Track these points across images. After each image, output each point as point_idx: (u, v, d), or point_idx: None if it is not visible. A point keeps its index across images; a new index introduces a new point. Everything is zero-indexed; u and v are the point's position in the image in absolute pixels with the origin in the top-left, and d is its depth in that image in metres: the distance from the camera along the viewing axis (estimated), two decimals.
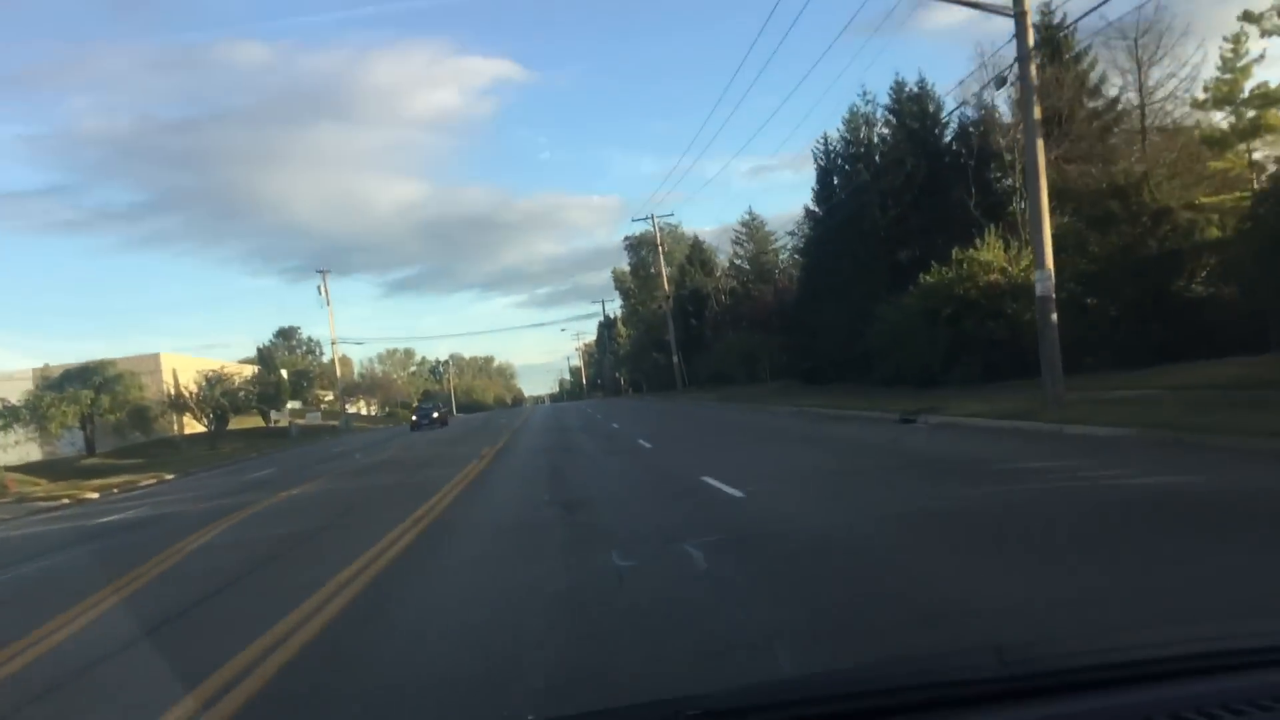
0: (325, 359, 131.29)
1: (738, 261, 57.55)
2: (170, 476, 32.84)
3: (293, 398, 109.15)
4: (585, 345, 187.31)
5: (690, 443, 19.85)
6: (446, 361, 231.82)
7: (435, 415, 51.97)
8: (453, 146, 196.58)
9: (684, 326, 65.21)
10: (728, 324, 55.45)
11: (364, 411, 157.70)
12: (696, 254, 64.72)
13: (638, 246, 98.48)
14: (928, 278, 25.78)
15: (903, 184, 29.29)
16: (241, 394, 57.16)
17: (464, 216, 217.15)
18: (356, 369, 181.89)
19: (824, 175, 35.08)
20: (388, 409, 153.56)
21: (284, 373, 70.05)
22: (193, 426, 66.76)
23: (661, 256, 56.71)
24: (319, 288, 61.82)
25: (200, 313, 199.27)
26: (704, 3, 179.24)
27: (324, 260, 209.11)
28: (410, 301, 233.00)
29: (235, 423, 75.03)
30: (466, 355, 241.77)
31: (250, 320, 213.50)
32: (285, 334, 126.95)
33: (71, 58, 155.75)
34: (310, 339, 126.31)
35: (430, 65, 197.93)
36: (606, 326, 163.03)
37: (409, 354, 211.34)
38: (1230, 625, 2.61)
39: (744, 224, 58.91)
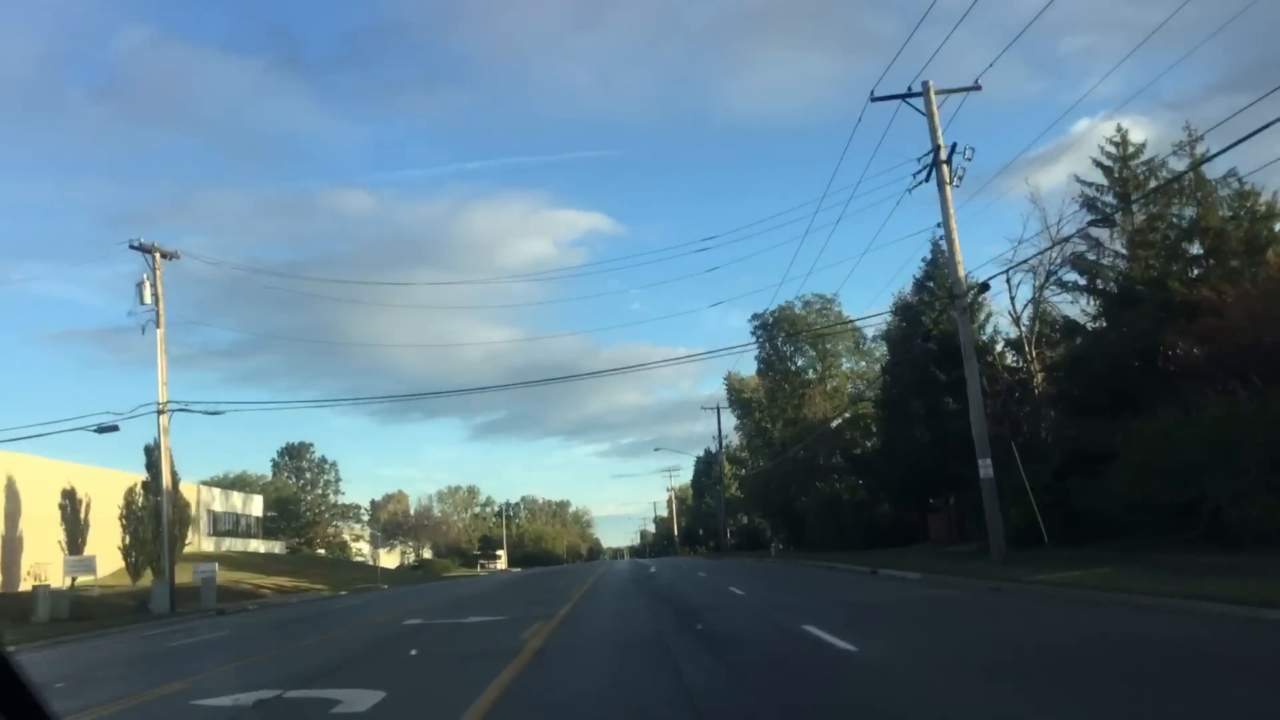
0: (344, 491, 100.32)
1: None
2: None
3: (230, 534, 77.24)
4: (678, 489, 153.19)
5: None
6: (516, 504, 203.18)
7: None
8: (543, 295, 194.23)
9: (909, 419, 32.28)
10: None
11: (399, 561, 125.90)
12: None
13: (772, 329, 65.55)
14: None
15: None
16: None
17: (551, 364, 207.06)
18: (413, 506, 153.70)
19: None
20: (420, 557, 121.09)
21: (179, 485, 39.05)
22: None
23: (950, 207, 20.37)
24: (140, 286, 28.63)
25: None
26: (788, 167, 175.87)
27: (413, 402, 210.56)
28: (495, 445, 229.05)
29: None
30: (540, 499, 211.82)
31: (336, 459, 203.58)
32: (294, 452, 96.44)
33: (187, 200, 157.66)
34: (324, 460, 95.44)
35: (525, 217, 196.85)
36: (706, 464, 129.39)
37: (472, 493, 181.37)
38: None
39: (1114, 142, 24.66)
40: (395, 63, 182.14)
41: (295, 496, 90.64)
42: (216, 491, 69.00)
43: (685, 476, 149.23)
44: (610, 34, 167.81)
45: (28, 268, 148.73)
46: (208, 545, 63.72)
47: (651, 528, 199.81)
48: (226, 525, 68.30)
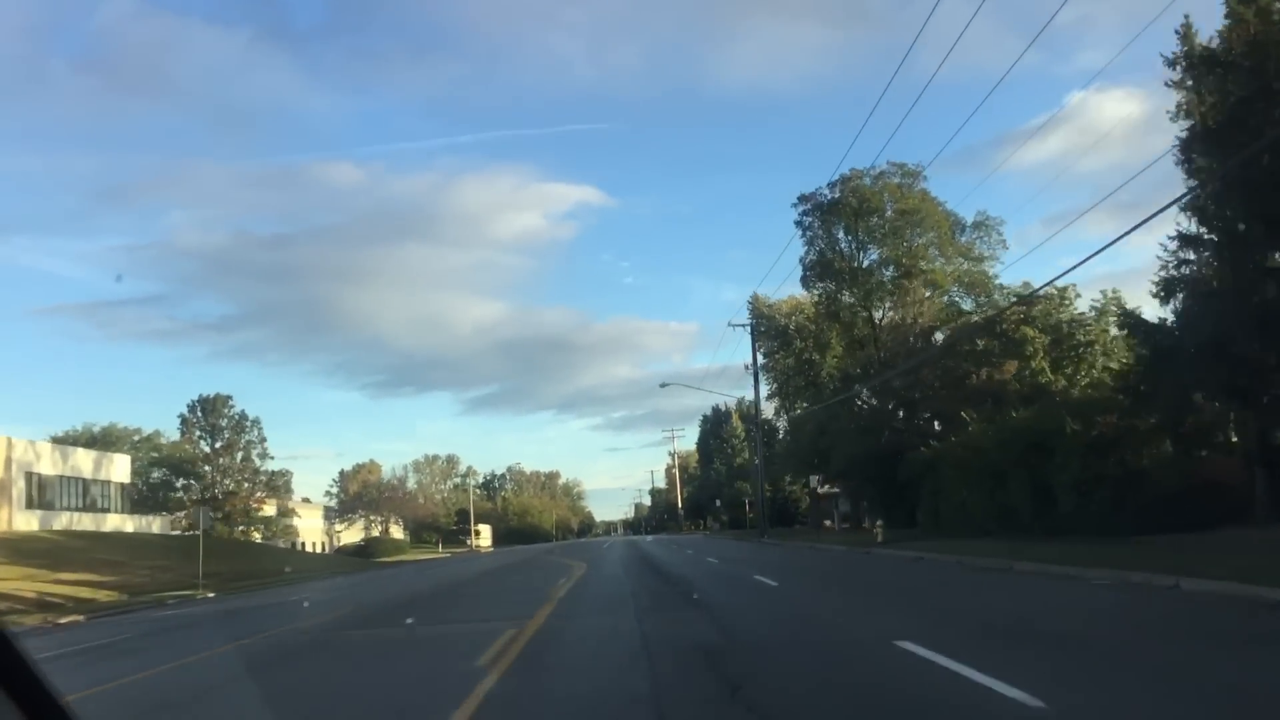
0: (271, 455, 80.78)
1: None
2: None
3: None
4: (682, 456, 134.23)
5: None
6: (502, 474, 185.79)
7: None
8: (534, 268, 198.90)
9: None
10: None
11: (336, 540, 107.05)
12: None
13: (829, 214, 45.98)
14: None
15: None
16: None
17: (543, 338, 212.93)
18: (386, 475, 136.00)
19: None
20: (386, 533, 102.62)
21: None
22: None
23: None
24: None
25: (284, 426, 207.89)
26: (779, 142, 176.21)
27: (405, 376, 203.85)
28: (488, 420, 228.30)
29: None
30: (528, 469, 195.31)
31: (327, 434, 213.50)
32: (208, 406, 76.40)
33: (173, 173, 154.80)
34: (245, 416, 75.53)
35: (515, 190, 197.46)
36: (715, 424, 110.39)
37: (451, 462, 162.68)
38: None
39: None
40: (383, 33, 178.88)
41: (203, 459, 71.00)
42: (47, 448, 49.52)
43: (689, 442, 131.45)
44: (600, 4, 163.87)
45: (13, 240, 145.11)
46: (26, 522, 44.60)
47: (647, 500, 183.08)
48: (65, 495, 49.04)
